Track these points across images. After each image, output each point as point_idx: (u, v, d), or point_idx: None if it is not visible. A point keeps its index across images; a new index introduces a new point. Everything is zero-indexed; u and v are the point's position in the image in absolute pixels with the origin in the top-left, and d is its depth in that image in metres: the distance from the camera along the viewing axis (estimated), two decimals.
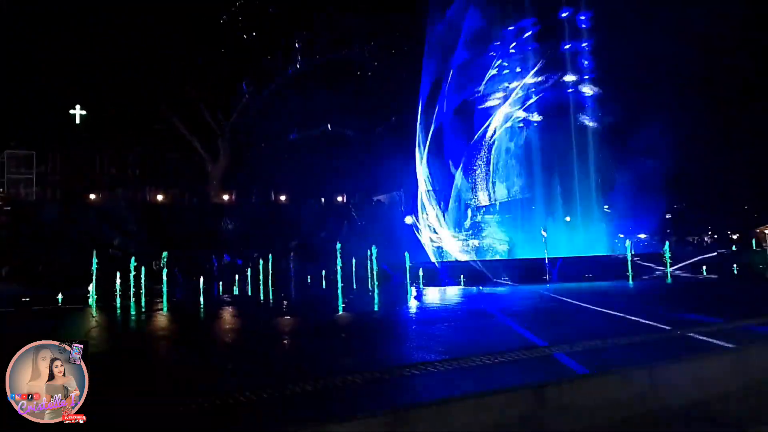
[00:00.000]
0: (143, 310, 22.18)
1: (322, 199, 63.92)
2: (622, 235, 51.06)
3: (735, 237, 36.15)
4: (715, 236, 43.40)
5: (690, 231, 39.04)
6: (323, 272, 37.34)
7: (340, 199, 66.34)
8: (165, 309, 21.94)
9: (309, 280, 36.96)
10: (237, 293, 31.56)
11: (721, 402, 5.33)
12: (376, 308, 18.26)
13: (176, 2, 53.58)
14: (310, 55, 58.14)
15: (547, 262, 33.74)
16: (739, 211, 41.93)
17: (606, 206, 50.31)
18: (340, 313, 16.60)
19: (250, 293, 30.70)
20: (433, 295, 25.99)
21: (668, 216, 38.37)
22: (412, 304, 21.34)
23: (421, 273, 34.90)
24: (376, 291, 20.29)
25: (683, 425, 4.69)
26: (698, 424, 4.77)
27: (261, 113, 58.51)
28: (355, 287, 28.60)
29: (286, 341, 10.01)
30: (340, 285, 18.32)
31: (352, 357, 8.48)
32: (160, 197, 59.52)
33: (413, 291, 27.07)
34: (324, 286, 34.66)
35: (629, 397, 5.03)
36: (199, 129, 59.00)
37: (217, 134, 59.71)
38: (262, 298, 27.52)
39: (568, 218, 50.56)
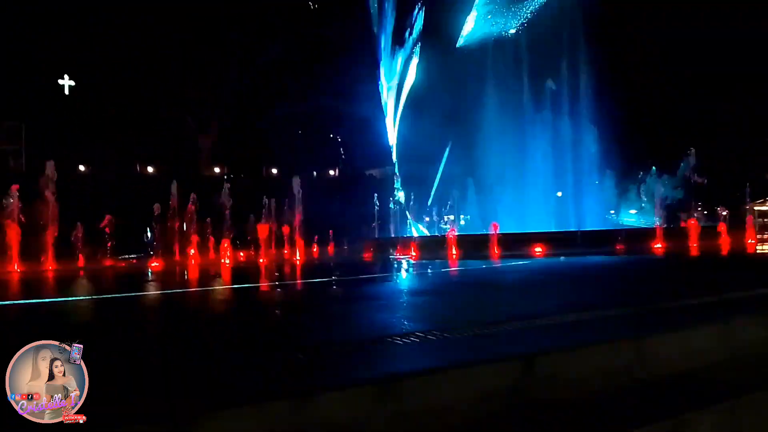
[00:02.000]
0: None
1: (314, 173, 63.72)
2: (612, 212, 51.44)
3: (725, 213, 36.27)
4: (705, 212, 43.62)
5: (681, 207, 39.21)
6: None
7: (332, 173, 66.16)
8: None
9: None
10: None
11: (707, 372, 5.40)
12: None
13: None
14: (298, 28, 57.37)
15: None
16: (731, 187, 42.14)
17: (597, 181, 50.40)
18: None
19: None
20: None
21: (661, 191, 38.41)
22: None
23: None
24: None
25: (670, 394, 4.76)
26: (685, 392, 4.84)
27: (253, 86, 57.96)
28: None
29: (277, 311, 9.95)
30: None
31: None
32: (150, 169, 59.16)
33: None
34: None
35: (617, 367, 5.09)
36: (190, 102, 58.40)
37: (209, 107, 59.13)
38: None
39: (559, 193, 50.65)
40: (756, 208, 36.94)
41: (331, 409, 3.63)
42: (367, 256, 30.67)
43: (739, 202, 38.33)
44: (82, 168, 54.50)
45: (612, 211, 50.84)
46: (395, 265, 21.46)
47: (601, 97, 46.10)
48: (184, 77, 56.58)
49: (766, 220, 36.95)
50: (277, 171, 63.03)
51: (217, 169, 60.67)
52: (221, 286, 14.73)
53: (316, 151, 58.45)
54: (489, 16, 49.96)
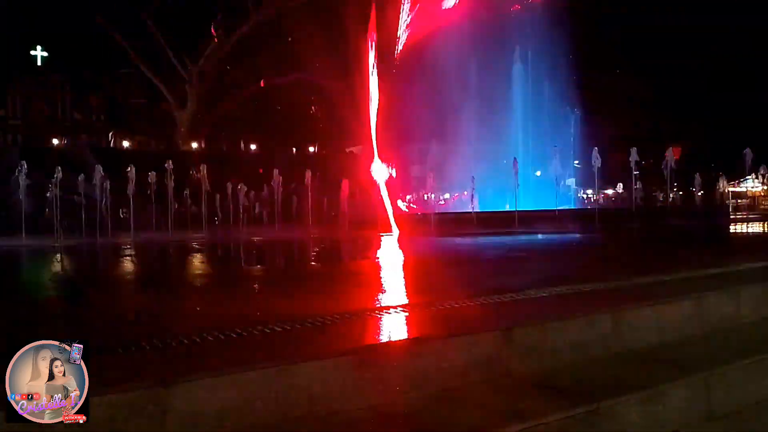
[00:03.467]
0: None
1: (294, 149, 63.29)
2: (590, 191, 51.91)
3: (700, 194, 36.81)
4: (680, 193, 44.21)
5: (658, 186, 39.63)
6: None
7: (312, 149, 65.78)
8: None
9: None
10: None
11: (681, 346, 5.51)
12: None
13: None
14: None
15: None
16: (708, 167, 42.73)
17: (576, 162, 50.79)
18: None
19: None
20: None
21: (636, 172, 38.72)
22: None
23: None
24: None
25: (644, 366, 4.84)
26: (659, 365, 4.92)
27: (231, 58, 56.97)
28: None
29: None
30: None
31: None
32: (126, 143, 58.27)
33: None
34: None
35: (592, 340, 5.16)
36: (167, 73, 57.27)
37: (185, 79, 58.00)
38: None
39: (538, 173, 50.92)
40: (730, 189, 37.57)
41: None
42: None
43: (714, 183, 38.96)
44: (55, 141, 53.53)
45: (589, 191, 51.30)
46: None
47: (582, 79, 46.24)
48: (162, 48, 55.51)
49: (740, 201, 37.65)
50: (257, 146, 62.59)
51: (194, 144, 59.85)
52: None
53: (296, 126, 57.94)
54: None
